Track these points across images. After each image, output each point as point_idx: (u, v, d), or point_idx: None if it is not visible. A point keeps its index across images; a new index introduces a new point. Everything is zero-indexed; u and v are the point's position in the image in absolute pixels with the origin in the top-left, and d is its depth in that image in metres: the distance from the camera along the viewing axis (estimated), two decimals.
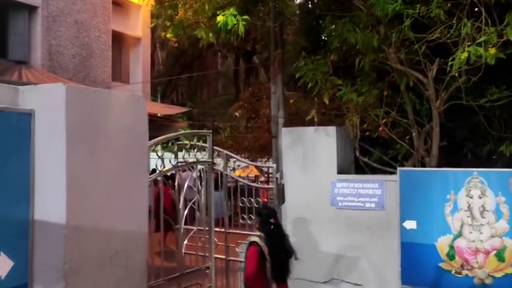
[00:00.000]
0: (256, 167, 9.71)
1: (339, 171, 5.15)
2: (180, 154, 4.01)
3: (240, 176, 6.22)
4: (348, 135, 5.41)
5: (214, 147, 4.69)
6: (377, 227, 4.90)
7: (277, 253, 3.42)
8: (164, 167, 3.63)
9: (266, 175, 6.45)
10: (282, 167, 5.61)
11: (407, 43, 4.72)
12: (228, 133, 13.26)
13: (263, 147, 11.78)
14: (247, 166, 10.93)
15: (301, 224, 5.30)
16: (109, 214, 2.38)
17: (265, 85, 13.28)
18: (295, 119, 7.43)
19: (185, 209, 3.84)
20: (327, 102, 5.24)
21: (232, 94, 19.06)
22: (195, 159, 4.00)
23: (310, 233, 5.25)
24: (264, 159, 12.36)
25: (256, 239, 3.58)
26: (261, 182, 9.41)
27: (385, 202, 4.89)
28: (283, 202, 5.47)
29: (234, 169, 8.88)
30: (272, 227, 3.51)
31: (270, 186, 5.90)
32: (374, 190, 4.96)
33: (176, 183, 4.00)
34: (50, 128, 2.13)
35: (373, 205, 4.95)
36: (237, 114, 16.16)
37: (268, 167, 6.56)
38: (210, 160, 4.19)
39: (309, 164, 5.28)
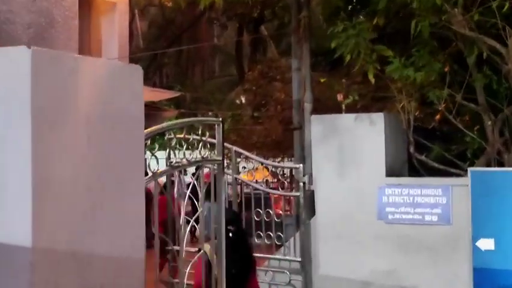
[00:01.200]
0: (271, 172, 9.63)
1: (389, 173, 5.25)
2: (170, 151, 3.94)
3: (255, 182, 6.13)
4: (399, 125, 5.40)
5: (212, 141, 4.68)
6: (440, 248, 4.94)
7: (227, 267, 3.50)
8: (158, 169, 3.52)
9: (283, 179, 6.30)
10: (310, 167, 5.70)
11: (479, 1, 4.70)
12: (229, 125, 13.15)
13: (277, 143, 11.87)
14: (256, 168, 11.01)
15: (337, 245, 5.41)
16: (92, 232, 2.23)
17: (277, 62, 13.24)
18: (319, 107, 7.36)
19: (186, 225, 3.78)
20: (372, 80, 5.17)
21: (234, 75, 18.96)
22: (199, 157, 3.90)
23: (350, 256, 5.34)
24: (277, 159, 12.32)
25: (207, 247, 3.70)
26: (274, 188, 9.35)
27: (451, 214, 4.91)
28: (313, 215, 5.62)
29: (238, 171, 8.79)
30: (230, 234, 3.60)
31: (295, 193, 5.78)
32: (436, 198, 4.96)
33: (175, 190, 3.99)
34: (9, 108, 2.00)
35: (435, 218, 4.96)
36: (239, 100, 16.13)
37: (291, 168, 6.39)
38: (220, 158, 4.07)
39: (347, 164, 5.40)
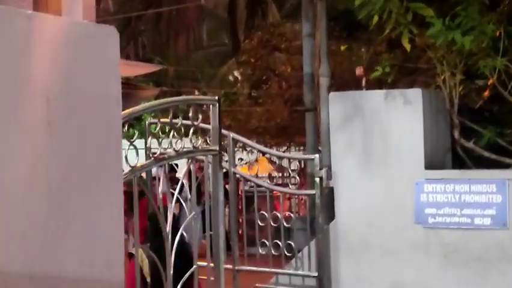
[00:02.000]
0: (277, 166, 9.63)
1: (429, 165, 5.21)
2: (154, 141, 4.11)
3: (255, 176, 6.08)
4: (441, 104, 5.41)
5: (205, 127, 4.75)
6: (495, 258, 4.91)
7: (158, 274, 3.64)
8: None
9: (292, 174, 6.25)
10: (327, 159, 5.67)
11: None
12: (222, 106, 13.14)
13: (281, 128, 11.93)
14: (256, 160, 11.06)
15: (363, 256, 5.40)
16: (54, 248, 2.16)
17: (280, 28, 13.21)
18: (333, 83, 7.32)
19: (174, 236, 3.85)
20: (408, 47, 5.09)
21: (226, 44, 18.85)
22: (191, 147, 3.99)
23: (380, 270, 5.32)
24: (282, 148, 12.39)
25: (140, 251, 3.95)
26: (279, 184, 9.38)
27: (508, 216, 4.89)
28: (332, 218, 5.59)
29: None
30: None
31: (309, 191, 5.72)
32: (489, 196, 4.92)
33: (159, 190, 4.02)
34: None
35: (487, 221, 4.93)
36: (234, 76, 16.07)
37: (302, 160, 6.32)
38: (216, 148, 4.19)
39: (375, 154, 5.38)
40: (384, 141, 5.30)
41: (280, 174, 10.57)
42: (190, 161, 4.11)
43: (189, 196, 5.49)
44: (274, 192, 10.39)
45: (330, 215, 5.53)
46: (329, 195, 5.52)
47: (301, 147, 14.55)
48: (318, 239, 5.52)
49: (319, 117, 6.13)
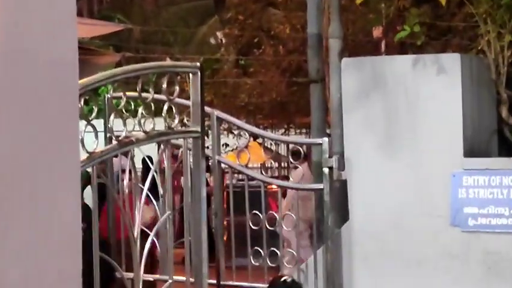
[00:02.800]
0: (274, 154, 9.61)
1: (469, 152, 5.24)
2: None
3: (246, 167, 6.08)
4: (484, 74, 5.43)
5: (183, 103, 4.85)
6: None
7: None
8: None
9: (292, 163, 6.24)
10: (339, 144, 5.68)
11: None
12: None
13: (278, 105, 12.01)
14: (246, 146, 11.05)
15: (385, 267, 5.42)
16: None
17: None
18: (346, 47, 7.35)
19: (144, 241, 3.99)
20: (443, 1, 5.04)
21: None
22: (165, 129, 4.10)
23: (405, 284, 5.34)
24: (279, 131, 12.42)
25: None
26: (276, 177, 9.39)
27: None
28: (345, 219, 5.61)
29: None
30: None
31: (315, 185, 5.81)
32: None
33: (125, 184, 4.20)
34: None
35: None
36: (216, 38, 16.02)
37: (306, 145, 6.32)
38: (198, 130, 4.25)
39: (401, 137, 5.41)
40: (412, 121, 5.32)
41: (277, 164, 10.61)
42: (163, 146, 4.14)
43: (161, 192, 5.49)
44: (269, 187, 10.41)
45: (342, 216, 5.56)
46: (340, 191, 5.53)
47: (304, 130, 14.59)
48: (327, 246, 5.51)
49: (328, 91, 6.14)
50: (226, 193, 7.56)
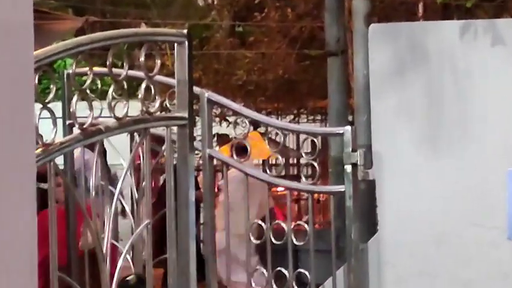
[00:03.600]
0: (282, 147, 9.62)
1: None
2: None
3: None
4: None
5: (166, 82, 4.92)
6: None
7: None
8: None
9: (305, 157, 6.25)
10: (365, 135, 5.79)
11: None
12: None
13: (287, 85, 12.05)
14: (244, 136, 11.05)
15: None
16: None
17: None
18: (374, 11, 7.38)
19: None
20: None
21: None
22: (143, 114, 4.12)
23: None
24: (287, 118, 12.35)
25: None
26: (283, 176, 9.40)
27: None
28: (372, 231, 5.70)
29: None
30: None
31: (334, 187, 5.87)
32: None
33: (91, 185, 4.19)
34: None
35: None
36: (204, 0, 15.98)
37: (322, 135, 6.31)
38: (185, 115, 4.30)
39: (447, 125, 5.47)
40: (460, 106, 5.36)
41: (283, 161, 10.59)
42: (140, 137, 4.15)
43: (136, 195, 5.50)
44: (273, 189, 10.42)
45: (369, 227, 5.62)
46: (366, 194, 5.59)
47: (318, 117, 14.56)
48: (350, 265, 5.50)
49: (351, 66, 6.26)
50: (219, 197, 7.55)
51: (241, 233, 6.05)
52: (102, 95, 4.27)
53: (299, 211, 12.27)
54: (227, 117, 12.89)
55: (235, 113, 6.23)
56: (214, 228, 6.13)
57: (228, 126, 12.35)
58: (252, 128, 12.10)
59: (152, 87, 4.13)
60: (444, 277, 5.40)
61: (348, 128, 5.61)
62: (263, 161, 12.41)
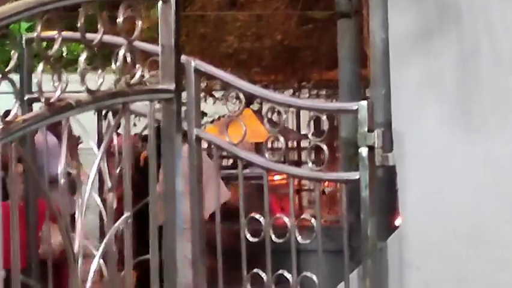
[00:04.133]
0: (283, 128, 9.73)
1: None
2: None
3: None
4: None
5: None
6: None
7: None
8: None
9: (312, 139, 6.22)
10: (383, 112, 6.11)
11: None
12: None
13: (287, 53, 12.11)
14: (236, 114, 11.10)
15: None
16: None
17: None
18: None
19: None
20: None
21: None
22: (121, 87, 4.14)
23: None
24: (285, 92, 12.29)
25: None
26: (283, 162, 9.44)
27: None
28: (392, 228, 5.90)
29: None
30: None
31: (346, 175, 5.81)
32: None
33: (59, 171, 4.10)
34: None
35: None
36: None
37: (331, 112, 6.30)
38: (170, 87, 4.35)
39: (482, 103, 5.47)
40: (500, 75, 5.34)
41: (283, 144, 10.50)
42: (119, 113, 4.15)
43: (108, 184, 5.50)
44: (270, 178, 10.39)
45: (389, 222, 5.73)
46: (386, 183, 5.72)
47: (324, 91, 14.46)
48: (366, 268, 5.45)
49: (366, 29, 6.23)
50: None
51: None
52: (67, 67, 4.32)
53: (299, 204, 12.28)
54: (213, 93, 12.91)
55: (225, 87, 6.18)
56: (202, 226, 6.14)
57: (213, 103, 12.33)
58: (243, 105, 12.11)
59: (130, 54, 4.13)
60: (479, 282, 5.41)
61: (364, 103, 5.54)
62: (255, 144, 12.41)
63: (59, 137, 8.47)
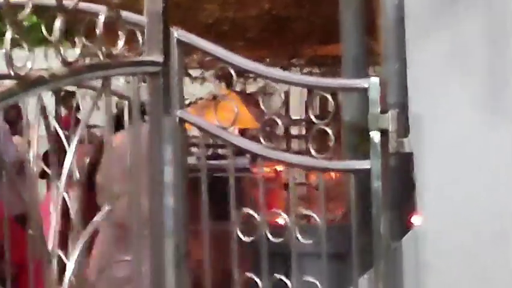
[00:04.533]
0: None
1: None
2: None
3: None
4: None
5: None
6: None
7: None
8: None
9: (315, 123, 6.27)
10: (397, 91, 6.22)
11: None
12: None
13: (275, 23, 12.14)
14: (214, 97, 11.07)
15: None
16: None
17: None
18: None
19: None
20: None
21: None
22: (102, 58, 4.18)
23: None
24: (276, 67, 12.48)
25: None
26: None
27: None
28: (407, 226, 5.94)
29: None
30: None
31: (355, 163, 5.72)
32: None
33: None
34: None
35: None
36: None
37: (335, 90, 6.29)
38: (158, 59, 4.55)
39: None
40: None
41: (282, 128, 10.58)
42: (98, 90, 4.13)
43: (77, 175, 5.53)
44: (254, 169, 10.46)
45: (405, 218, 5.75)
46: (401, 174, 5.69)
47: (318, 69, 14.48)
48: (379, 270, 5.43)
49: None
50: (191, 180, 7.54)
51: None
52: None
53: (288, 201, 12.31)
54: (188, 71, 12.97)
55: (217, 59, 6.12)
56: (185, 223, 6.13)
57: (191, 82, 12.35)
58: (224, 86, 12.15)
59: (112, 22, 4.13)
60: (504, 285, 5.44)
61: (376, 79, 5.48)
62: (240, 130, 12.50)
63: (11, 123, 8.59)
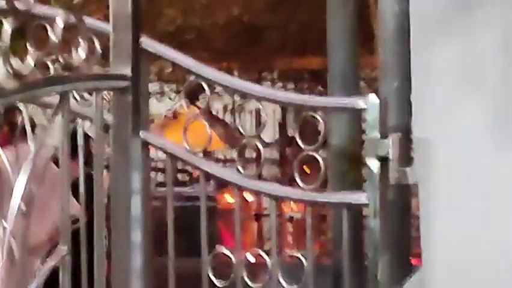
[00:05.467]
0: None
1: None
2: None
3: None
4: None
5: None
6: None
7: None
8: None
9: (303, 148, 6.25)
10: (400, 110, 6.11)
11: None
12: None
13: (246, 31, 12.23)
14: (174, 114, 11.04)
15: None
16: None
17: None
18: None
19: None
20: None
21: None
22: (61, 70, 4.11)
23: None
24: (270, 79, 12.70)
25: None
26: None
27: None
28: (411, 268, 5.70)
29: None
30: None
31: (353, 198, 5.60)
32: None
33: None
34: None
35: None
36: None
37: (324, 109, 6.23)
38: (127, 73, 4.52)
39: None
40: None
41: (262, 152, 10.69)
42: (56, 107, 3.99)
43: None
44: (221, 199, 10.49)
45: (406, 261, 5.61)
46: (404, 208, 5.54)
47: (291, 84, 14.58)
48: None
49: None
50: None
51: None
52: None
53: (259, 234, 12.39)
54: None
55: (162, 78, 6.06)
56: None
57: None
58: (185, 103, 12.17)
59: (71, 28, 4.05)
60: None
61: (375, 99, 5.50)
62: (204, 151, 12.56)
63: None
